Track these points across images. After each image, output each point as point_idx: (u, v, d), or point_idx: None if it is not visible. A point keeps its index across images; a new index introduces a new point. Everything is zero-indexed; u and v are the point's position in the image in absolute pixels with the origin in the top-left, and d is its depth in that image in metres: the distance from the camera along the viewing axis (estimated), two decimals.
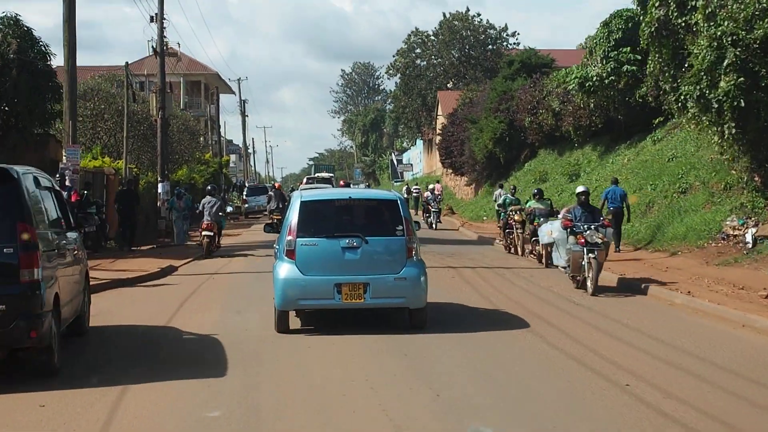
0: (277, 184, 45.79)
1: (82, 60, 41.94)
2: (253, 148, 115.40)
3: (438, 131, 54.84)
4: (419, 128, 77.00)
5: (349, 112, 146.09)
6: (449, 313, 13.69)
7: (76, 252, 11.43)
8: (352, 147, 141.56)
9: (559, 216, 17.74)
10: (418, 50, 75.62)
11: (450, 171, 54.33)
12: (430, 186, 54.76)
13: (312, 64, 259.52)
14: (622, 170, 28.90)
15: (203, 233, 24.32)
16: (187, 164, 47.50)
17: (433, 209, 37.16)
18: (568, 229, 15.96)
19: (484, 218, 39.74)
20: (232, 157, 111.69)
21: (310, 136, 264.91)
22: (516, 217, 23.24)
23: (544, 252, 20.07)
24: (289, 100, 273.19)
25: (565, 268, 16.76)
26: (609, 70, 29.14)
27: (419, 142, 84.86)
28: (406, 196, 66.51)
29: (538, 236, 20.46)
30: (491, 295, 15.72)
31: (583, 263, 15.63)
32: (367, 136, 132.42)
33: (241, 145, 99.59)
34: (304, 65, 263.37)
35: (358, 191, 16.76)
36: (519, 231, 23.23)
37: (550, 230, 18.18)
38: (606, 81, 29.18)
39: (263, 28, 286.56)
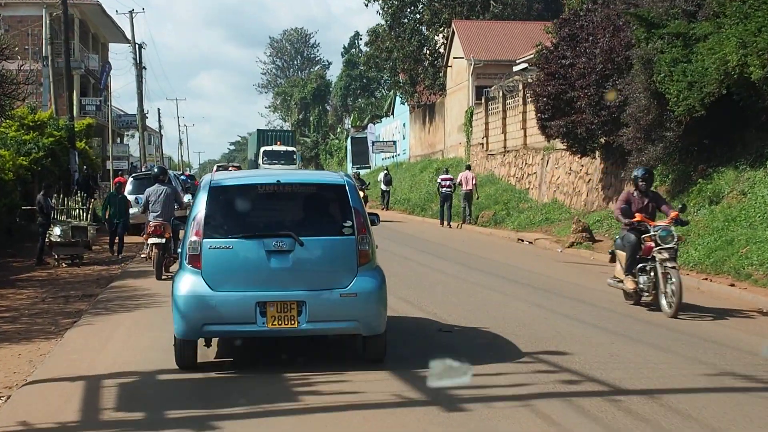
0: (232, 167, 34.21)
1: None
2: (160, 122, 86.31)
3: (535, 62, 26.87)
4: (414, 85, 49.53)
5: (279, 86, 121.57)
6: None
7: None
8: (283, 127, 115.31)
9: None
10: None
11: (559, 144, 26.68)
12: (446, 176, 29.39)
13: (231, 51, 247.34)
14: None
15: (150, 241, 16.25)
16: None
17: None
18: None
19: None
20: (135, 140, 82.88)
21: (231, 123, 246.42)
22: None
23: None
24: (208, 87, 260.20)
25: None
26: None
27: (401, 111, 57.63)
28: (384, 188, 40.25)
29: None
30: None
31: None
32: (306, 113, 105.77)
33: (148, 119, 70.28)
34: (223, 52, 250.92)
35: (290, 173, 10.65)
36: None
37: None
38: None
39: (180, 13, 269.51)
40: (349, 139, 73.44)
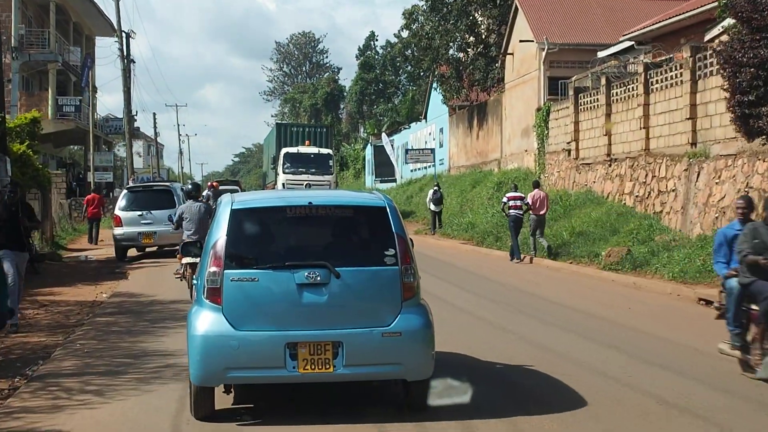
0: (214, 183, 30.96)
1: None
2: (155, 128, 77.20)
3: (724, 11, 17.55)
4: (459, 79, 40.34)
5: (287, 93, 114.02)
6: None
7: None
8: None
9: None
10: None
11: (726, 144, 17.60)
12: (515, 194, 21.54)
13: (236, 63, 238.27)
14: None
15: (183, 261, 14.96)
16: None
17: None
18: None
19: None
20: (137, 146, 73.97)
21: (235, 135, 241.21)
22: None
23: None
24: (212, 99, 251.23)
25: None
26: None
27: (437, 114, 48.59)
28: (433, 208, 32.02)
29: None
30: None
31: None
32: (317, 121, 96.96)
33: (136, 121, 61.28)
34: (228, 64, 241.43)
35: (324, 194, 10.10)
36: None
37: None
38: None
39: (185, 26, 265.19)
40: (369, 148, 64.18)
